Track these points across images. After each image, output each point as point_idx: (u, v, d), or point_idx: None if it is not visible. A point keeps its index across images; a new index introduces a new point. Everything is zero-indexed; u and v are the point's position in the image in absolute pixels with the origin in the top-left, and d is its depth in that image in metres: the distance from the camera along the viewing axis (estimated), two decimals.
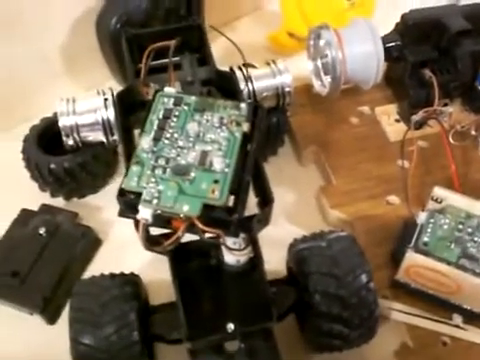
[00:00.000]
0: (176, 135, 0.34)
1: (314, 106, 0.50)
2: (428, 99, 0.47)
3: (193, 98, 0.36)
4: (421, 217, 0.40)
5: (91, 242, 0.44)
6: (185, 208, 0.31)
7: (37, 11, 0.49)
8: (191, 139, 0.34)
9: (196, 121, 0.34)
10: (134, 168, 0.33)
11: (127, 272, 0.38)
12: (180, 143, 0.34)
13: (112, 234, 0.45)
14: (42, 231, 0.42)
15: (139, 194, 0.32)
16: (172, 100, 0.35)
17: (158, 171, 0.32)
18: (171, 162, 0.33)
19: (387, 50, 0.45)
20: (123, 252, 0.44)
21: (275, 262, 0.38)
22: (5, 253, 0.42)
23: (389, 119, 0.49)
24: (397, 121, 0.49)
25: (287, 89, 0.45)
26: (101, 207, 0.47)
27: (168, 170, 0.32)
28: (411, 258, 0.38)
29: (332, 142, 0.48)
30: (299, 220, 0.45)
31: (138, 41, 0.44)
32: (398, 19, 0.48)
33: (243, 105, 0.35)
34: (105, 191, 0.48)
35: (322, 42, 0.46)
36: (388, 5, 0.59)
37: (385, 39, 0.45)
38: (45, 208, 0.45)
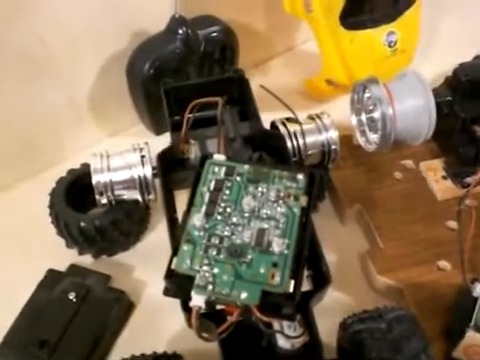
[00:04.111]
0: (229, 210, 0.31)
1: (355, 159, 0.48)
2: (478, 156, 0.45)
3: (246, 167, 0.33)
4: (477, 290, 0.37)
5: (125, 307, 0.41)
6: (243, 296, 0.29)
7: (66, 55, 0.46)
8: (246, 215, 0.31)
9: (250, 194, 0.32)
10: (185, 247, 0.30)
11: (165, 348, 0.36)
12: (234, 219, 0.31)
13: (144, 296, 0.42)
14: (72, 296, 0.39)
15: (190, 276, 0.29)
16: (223, 169, 0.33)
17: (212, 252, 0.30)
18: (225, 241, 0.30)
19: (437, 105, 0.42)
20: (156, 316, 0.41)
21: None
22: (31, 320, 0.39)
23: (435, 175, 0.46)
24: (444, 178, 0.46)
25: (333, 146, 0.43)
26: (132, 266, 0.44)
27: (222, 251, 0.30)
28: (472, 337, 0.35)
29: (376, 200, 0.45)
30: (343, 285, 0.42)
31: (177, 93, 0.42)
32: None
33: (300, 177, 0.33)
34: (136, 249, 0.45)
35: (367, 96, 0.44)
36: (423, 48, 0.57)
37: (435, 94, 0.42)
38: (74, 269, 0.42)
